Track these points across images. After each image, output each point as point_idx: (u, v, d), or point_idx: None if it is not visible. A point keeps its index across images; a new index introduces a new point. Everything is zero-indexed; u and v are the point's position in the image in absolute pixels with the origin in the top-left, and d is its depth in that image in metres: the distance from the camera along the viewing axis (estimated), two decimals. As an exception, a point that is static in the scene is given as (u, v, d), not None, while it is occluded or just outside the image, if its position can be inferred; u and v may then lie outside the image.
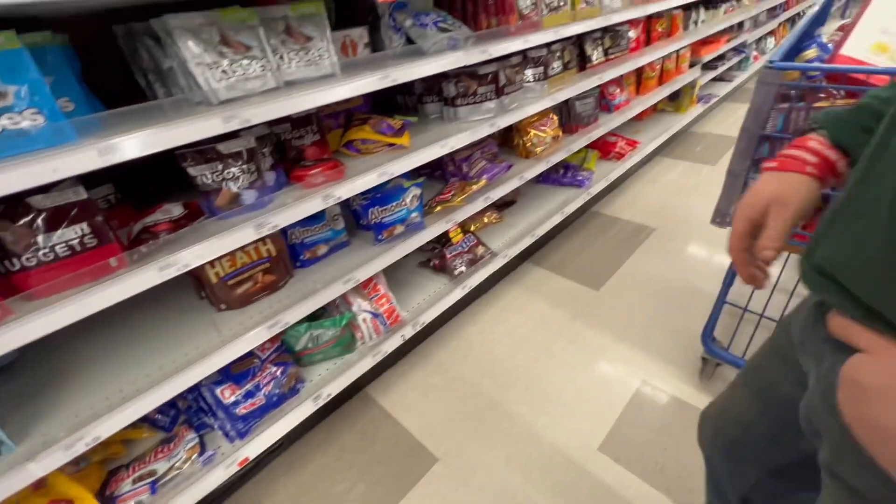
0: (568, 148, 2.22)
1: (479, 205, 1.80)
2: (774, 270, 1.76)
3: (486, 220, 2.17)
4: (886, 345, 0.39)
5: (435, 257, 1.90)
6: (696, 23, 3.16)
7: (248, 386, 1.28)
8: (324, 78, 1.24)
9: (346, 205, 1.59)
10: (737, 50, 4.12)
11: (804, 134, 0.63)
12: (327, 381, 1.45)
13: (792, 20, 5.10)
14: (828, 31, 1.42)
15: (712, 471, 0.84)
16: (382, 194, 1.49)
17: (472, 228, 2.09)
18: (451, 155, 1.95)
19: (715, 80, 3.97)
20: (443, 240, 1.92)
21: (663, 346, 1.75)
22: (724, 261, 2.04)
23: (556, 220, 2.25)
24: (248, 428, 1.27)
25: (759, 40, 4.60)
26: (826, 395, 0.46)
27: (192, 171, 1.07)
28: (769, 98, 0.99)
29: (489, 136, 2.04)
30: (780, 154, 0.62)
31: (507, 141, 2.31)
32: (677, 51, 2.99)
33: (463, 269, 1.85)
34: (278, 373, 1.34)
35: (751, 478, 0.72)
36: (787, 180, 0.58)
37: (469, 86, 1.66)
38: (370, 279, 1.57)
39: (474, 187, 1.78)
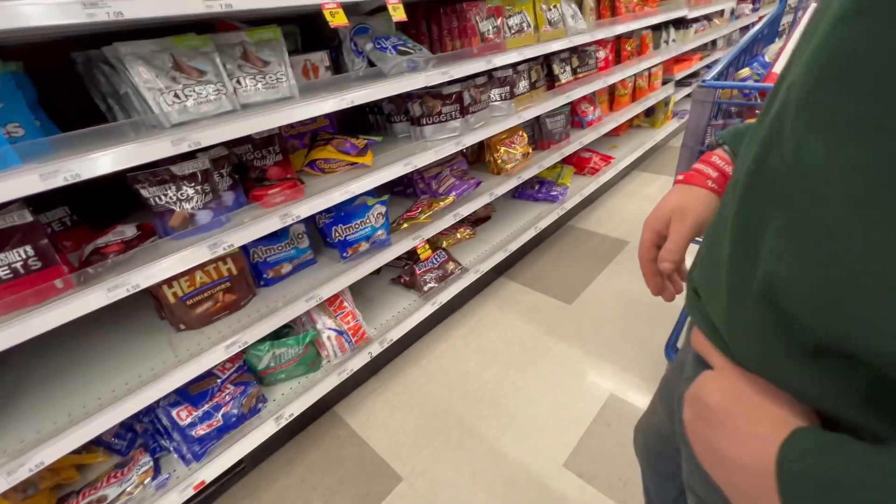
0: (539, 164, 2.26)
1: (448, 221, 1.82)
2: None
3: (458, 235, 2.19)
4: (731, 365, 0.39)
5: (405, 274, 1.91)
6: (667, 42, 3.25)
7: (206, 406, 1.27)
8: (282, 100, 1.27)
9: (313, 223, 1.61)
10: (710, 67, 4.23)
11: (713, 149, 0.65)
12: (290, 400, 1.44)
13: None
14: (774, 50, 1.48)
15: (645, 482, 0.83)
16: (346, 212, 1.51)
17: (445, 244, 2.11)
18: (420, 172, 1.98)
19: (689, 96, 4.07)
20: (414, 256, 1.93)
21: (632, 358, 1.76)
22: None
23: (530, 234, 2.28)
24: (204, 450, 1.25)
25: (733, 57, 4.72)
26: (680, 408, 0.45)
27: (144, 192, 1.08)
28: (704, 115, 1.02)
29: (459, 153, 2.08)
30: (691, 167, 0.64)
31: (480, 158, 2.35)
32: (649, 69, 3.07)
33: (433, 284, 1.86)
34: (238, 392, 1.33)
35: (673, 491, 0.71)
36: (691, 193, 0.59)
37: (434, 105, 1.70)
38: (335, 296, 1.57)
39: (442, 204, 1.80)
